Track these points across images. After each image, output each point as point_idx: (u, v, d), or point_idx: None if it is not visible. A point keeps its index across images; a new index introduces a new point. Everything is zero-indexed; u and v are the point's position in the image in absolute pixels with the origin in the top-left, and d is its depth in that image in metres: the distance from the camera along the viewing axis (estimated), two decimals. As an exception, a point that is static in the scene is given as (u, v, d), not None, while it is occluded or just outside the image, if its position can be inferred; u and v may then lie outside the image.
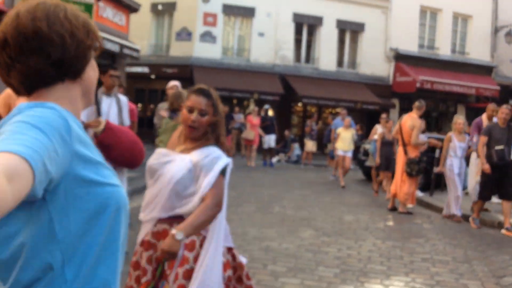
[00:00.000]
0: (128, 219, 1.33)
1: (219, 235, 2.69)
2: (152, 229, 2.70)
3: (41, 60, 1.16)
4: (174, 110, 5.26)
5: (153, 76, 20.63)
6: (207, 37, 20.46)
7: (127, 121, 5.55)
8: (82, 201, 1.16)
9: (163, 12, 21.31)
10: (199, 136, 2.71)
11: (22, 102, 1.22)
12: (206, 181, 2.60)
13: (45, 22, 1.16)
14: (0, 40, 1.16)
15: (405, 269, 5.57)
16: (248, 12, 21.01)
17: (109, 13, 14.11)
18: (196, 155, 2.65)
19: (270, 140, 16.23)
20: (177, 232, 2.50)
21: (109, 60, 12.47)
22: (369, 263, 5.72)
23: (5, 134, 1.03)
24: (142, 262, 2.69)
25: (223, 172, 2.68)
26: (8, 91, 4.35)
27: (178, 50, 20.62)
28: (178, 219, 2.64)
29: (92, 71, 1.31)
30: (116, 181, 1.26)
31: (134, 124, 6.22)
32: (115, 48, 13.52)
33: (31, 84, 1.20)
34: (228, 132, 16.25)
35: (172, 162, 2.66)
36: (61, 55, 1.18)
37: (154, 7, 21.16)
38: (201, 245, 2.63)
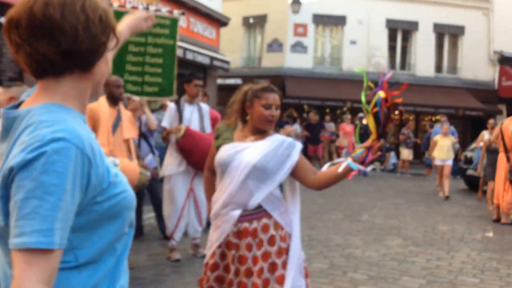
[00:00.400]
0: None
1: (298, 231, 2.82)
2: (232, 229, 2.75)
3: (51, 47, 1.13)
4: None
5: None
6: (298, 47, 20.48)
7: (208, 128, 5.67)
8: (103, 225, 1.20)
9: (254, 24, 21.68)
10: None
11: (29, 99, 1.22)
12: (294, 156, 2.78)
13: (59, 10, 1.14)
14: (13, 20, 1.15)
15: (501, 283, 5.11)
16: (339, 21, 20.76)
17: (199, 27, 14.62)
18: (271, 141, 2.79)
19: (364, 148, 15.78)
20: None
21: (201, 72, 12.89)
22: (460, 275, 5.33)
23: (19, 205, 1.03)
24: (226, 260, 2.76)
25: None
26: (90, 106, 4.54)
27: (269, 61, 20.83)
28: (259, 214, 2.74)
29: (104, 65, 1.27)
30: (123, 181, 1.27)
31: (218, 132, 6.33)
32: (205, 60, 13.96)
33: (37, 69, 1.18)
34: (319, 141, 16.08)
35: (246, 149, 2.78)
36: (72, 46, 1.15)
37: (245, 20, 21.59)
38: (281, 239, 2.73)
